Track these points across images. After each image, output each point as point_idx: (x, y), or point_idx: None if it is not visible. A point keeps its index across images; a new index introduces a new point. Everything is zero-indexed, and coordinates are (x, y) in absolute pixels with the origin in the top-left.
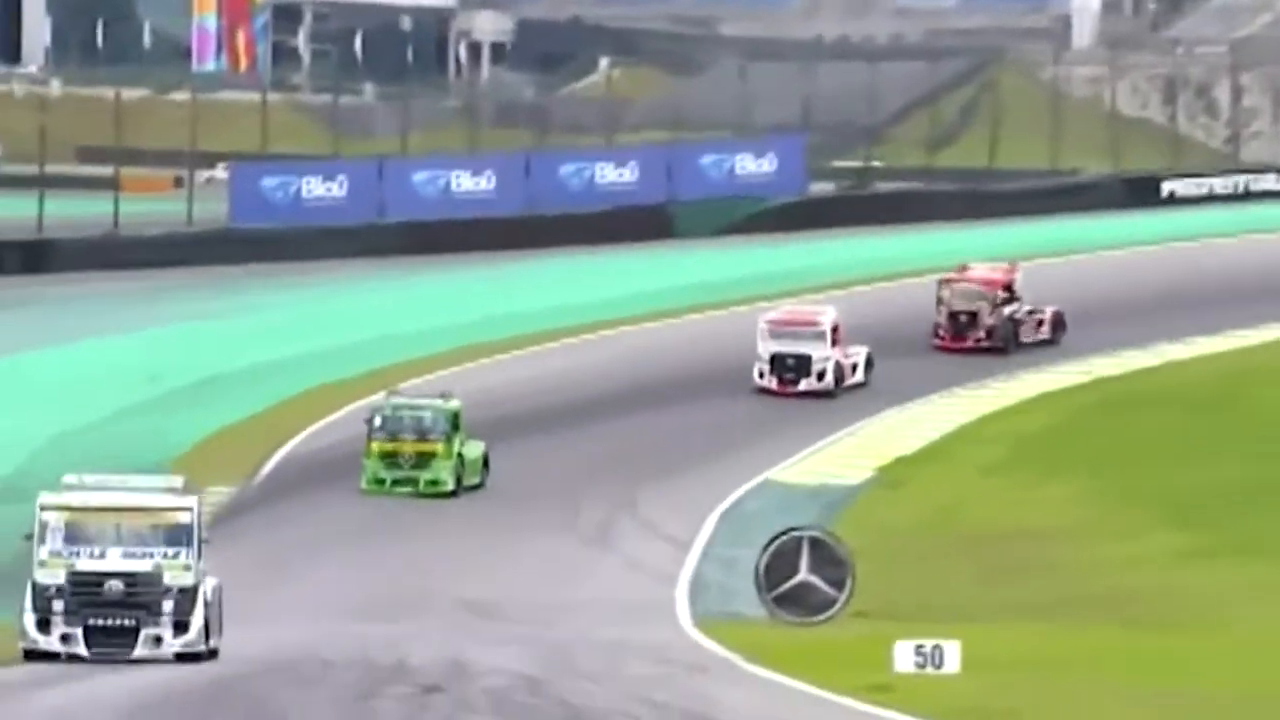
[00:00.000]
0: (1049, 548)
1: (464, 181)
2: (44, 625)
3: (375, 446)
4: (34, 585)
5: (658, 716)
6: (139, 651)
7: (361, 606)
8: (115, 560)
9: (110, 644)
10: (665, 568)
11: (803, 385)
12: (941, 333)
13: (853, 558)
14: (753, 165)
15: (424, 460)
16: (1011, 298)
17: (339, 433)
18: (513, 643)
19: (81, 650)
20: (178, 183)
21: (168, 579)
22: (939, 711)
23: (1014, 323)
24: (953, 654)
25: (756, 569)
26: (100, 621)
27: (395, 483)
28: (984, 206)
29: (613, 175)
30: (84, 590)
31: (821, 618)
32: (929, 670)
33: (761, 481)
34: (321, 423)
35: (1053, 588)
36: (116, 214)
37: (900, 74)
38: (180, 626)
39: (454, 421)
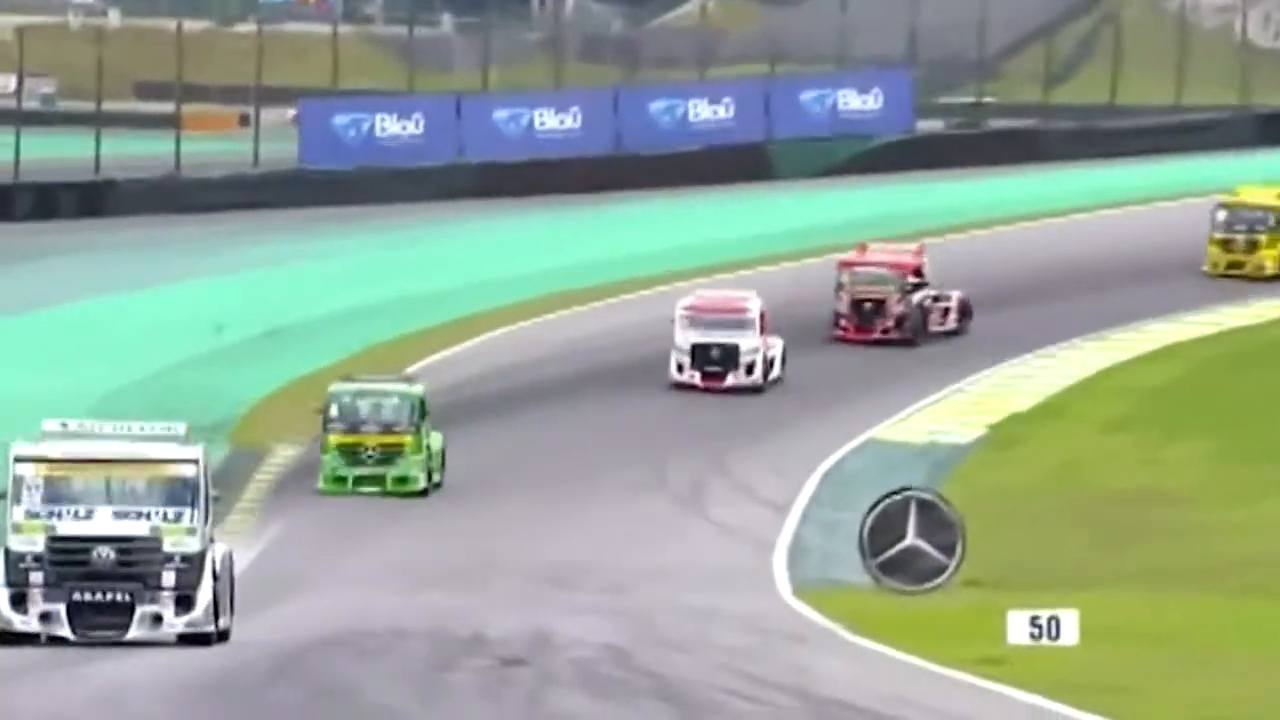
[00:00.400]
0: (1173, 511)
1: (547, 119)
2: (19, 601)
3: (333, 440)
4: (6, 553)
5: (752, 690)
6: (134, 632)
7: (435, 574)
8: (105, 522)
9: (99, 624)
10: (761, 532)
11: (729, 379)
12: (844, 323)
13: (963, 521)
14: (856, 101)
15: (390, 454)
16: (921, 283)
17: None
18: (597, 612)
19: (64, 631)
20: (243, 121)
21: (168, 545)
22: (1055, 687)
23: (923, 311)
24: (1070, 624)
25: (860, 533)
26: (87, 596)
27: (358, 481)
28: (1103, 145)
29: (706, 112)
30: (67, 559)
31: (929, 585)
32: (1044, 642)
33: (865, 440)
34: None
35: (1176, 553)
36: (178, 154)
37: (1013, 4)
38: (183, 602)
39: (421, 409)
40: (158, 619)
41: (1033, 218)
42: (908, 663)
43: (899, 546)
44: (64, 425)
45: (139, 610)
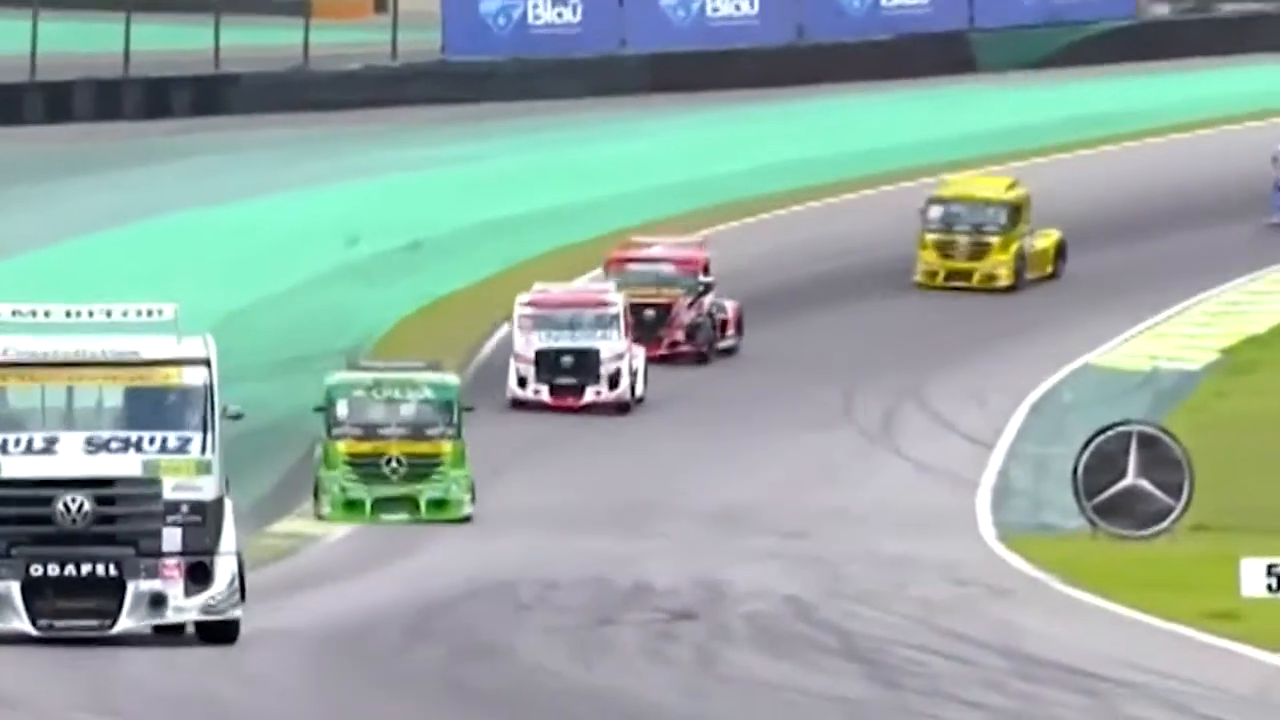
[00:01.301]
0: None
1: (721, 6)
2: None
3: (342, 448)
4: None
5: (951, 648)
6: (125, 622)
7: (594, 517)
8: (74, 457)
9: (71, 610)
10: (961, 470)
11: (588, 396)
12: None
13: (1191, 458)
14: None
15: (422, 467)
16: (709, 283)
17: None
18: (775, 559)
19: (18, 622)
20: (378, 7)
21: (170, 489)
22: None
23: (713, 319)
24: None
25: (1074, 472)
26: (51, 570)
27: (379, 505)
28: None
29: None
30: (19, 514)
31: (1152, 530)
32: None
33: (1080, 366)
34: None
35: None
36: (306, 44)
37: None
38: (197, 574)
39: (458, 407)
40: (159, 601)
41: (1272, 114)
42: (1127, 618)
43: (1118, 487)
44: (32, 311)
45: (131, 588)
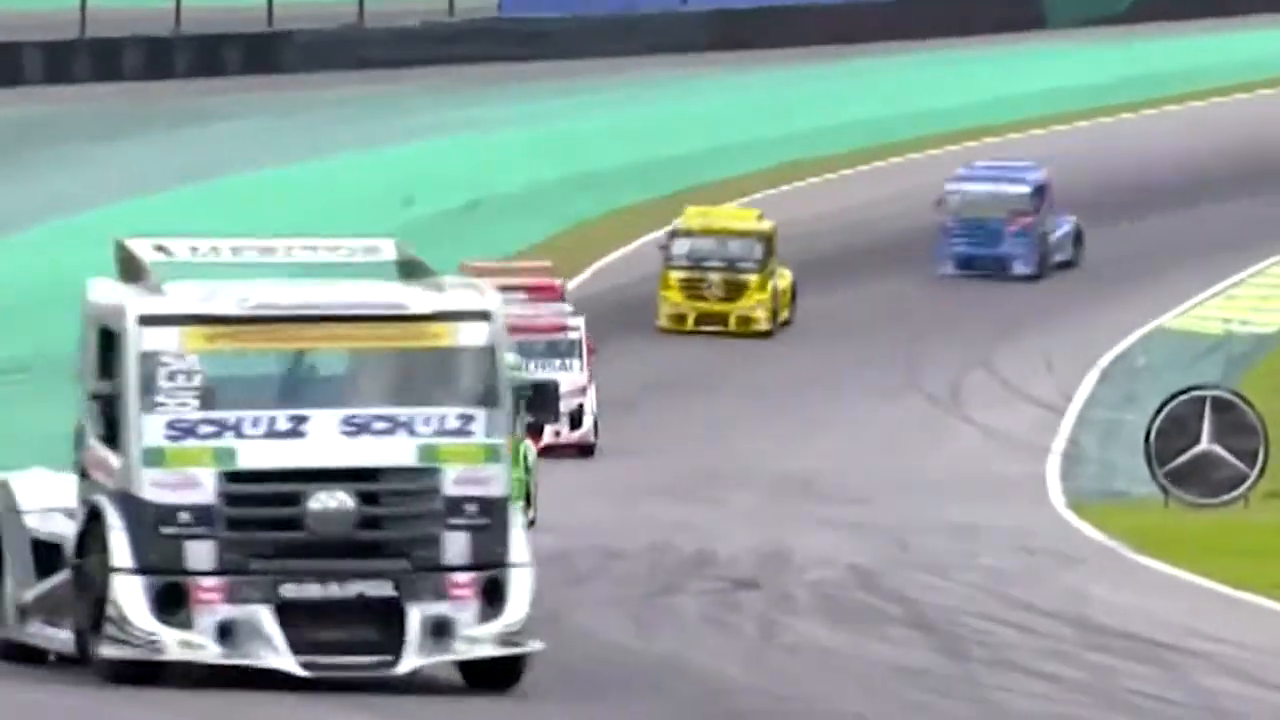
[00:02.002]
0: None
1: None
2: (171, 603)
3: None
4: (136, 510)
5: (1020, 618)
6: (410, 659)
7: (656, 483)
8: (329, 443)
9: (338, 643)
10: (1031, 437)
11: (545, 437)
12: None
13: (1266, 424)
14: None
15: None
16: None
17: (633, 269)
18: (841, 527)
19: (278, 658)
20: None
21: (452, 482)
22: None
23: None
24: None
25: (1146, 438)
26: (311, 592)
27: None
28: None
29: None
30: (264, 517)
31: (1226, 498)
32: None
33: (1153, 329)
34: (612, 256)
35: None
36: (361, 1)
37: None
38: (491, 593)
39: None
40: (443, 628)
41: None
42: (1200, 587)
43: (1191, 453)
44: (161, 248)
45: (413, 614)
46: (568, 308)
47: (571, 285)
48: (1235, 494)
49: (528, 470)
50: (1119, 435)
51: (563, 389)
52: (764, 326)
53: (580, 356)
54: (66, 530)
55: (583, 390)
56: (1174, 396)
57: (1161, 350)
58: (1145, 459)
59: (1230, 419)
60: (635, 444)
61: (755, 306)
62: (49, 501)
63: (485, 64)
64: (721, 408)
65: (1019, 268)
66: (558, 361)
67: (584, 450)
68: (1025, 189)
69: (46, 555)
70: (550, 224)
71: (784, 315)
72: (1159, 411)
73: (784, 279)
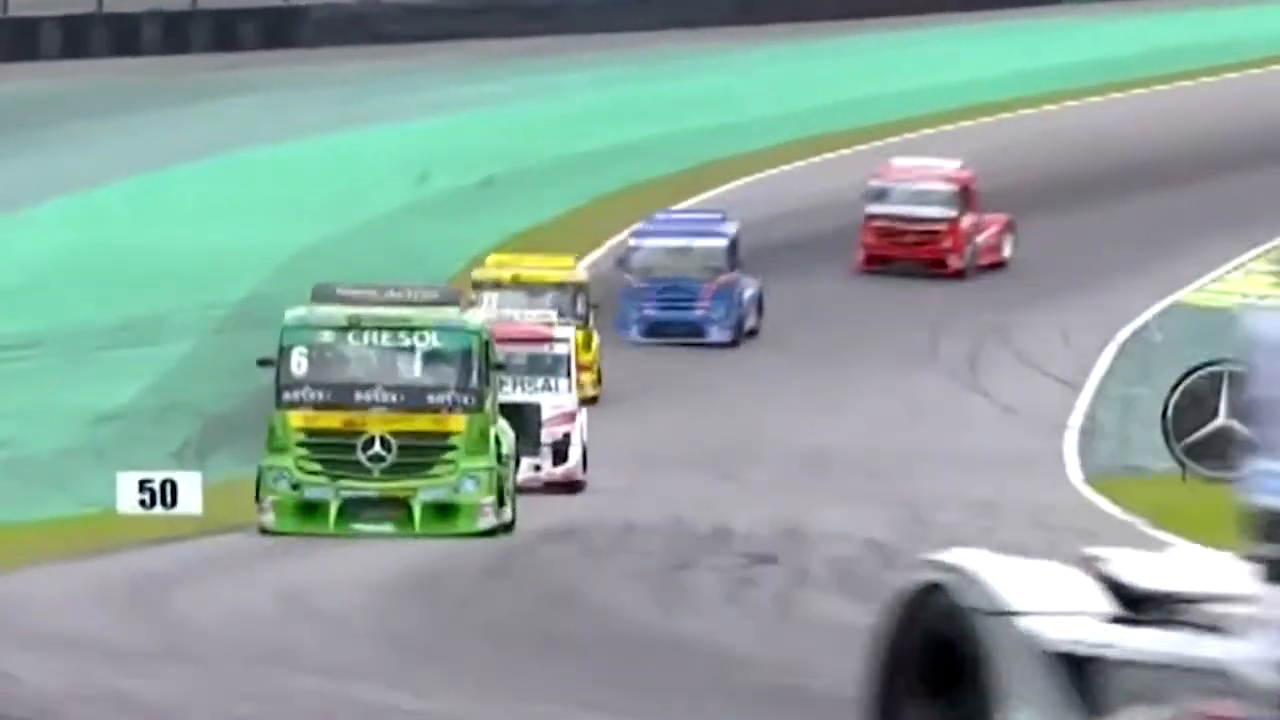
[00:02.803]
0: None
1: None
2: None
3: (296, 421)
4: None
5: None
6: None
7: (672, 458)
8: None
9: None
10: (1049, 412)
11: (524, 472)
12: None
13: None
14: None
15: (419, 453)
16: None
17: None
18: (860, 502)
19: None
20: None
21: None
22: None
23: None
24: None
25: (1164, 412)
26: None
27: (348, 511)
28: None
29: None
30: None
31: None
32: None
33: (1170, 304)
34: (625, 232)
35: None
36: None
37: None
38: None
39: (480, 363)
40: None
41: None
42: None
43: (1209, 428)
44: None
45: None
46: (553, 314)
47: (586, 261)
48: None
49: (501, 460)
50: (1136, 410)
51: (546, 413)
52: (590, 394)
53: (568, 375)
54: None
55: (570, 417)
56: (1192, 371)
57: (1179, 325)
58: (1162, 434)
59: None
60: (651, 419)
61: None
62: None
63: (500, 39)
64: (740, 384)
65: (715, 334)
66: (540, 380)
67: (570, 487)
68: (721, 243)
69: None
70: (565, 199)
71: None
72: (1177, 386)
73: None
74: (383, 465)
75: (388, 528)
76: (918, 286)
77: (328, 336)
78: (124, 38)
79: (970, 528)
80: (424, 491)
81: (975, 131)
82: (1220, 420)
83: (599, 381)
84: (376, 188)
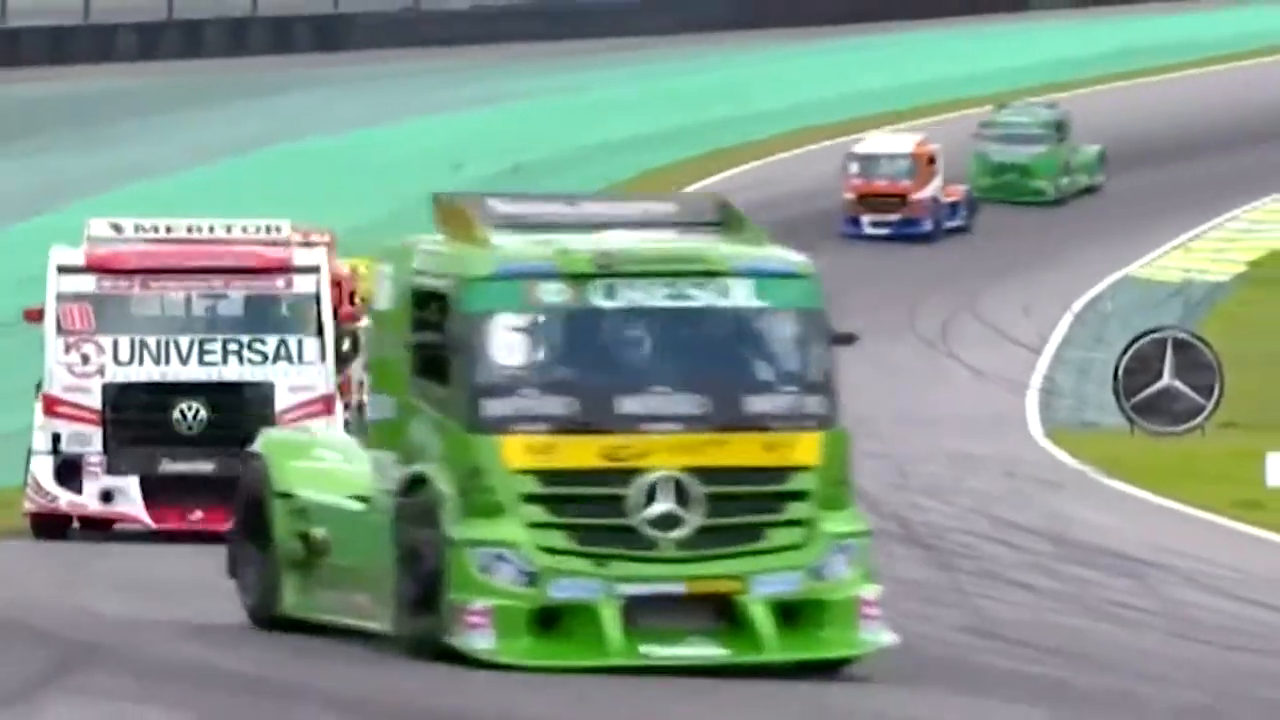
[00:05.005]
0: None
1: None
2: None
3: (509, 452)
4: None
5: (1005, 535)
6: None
7: None
8: None
9: None
10: (1013, 373)
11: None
12: None
13: (1221, 361)
14: None
15: (745, 514)
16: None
17: None
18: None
19: None
20: None
21: None
22: None
23: None
24: None
25: (1115, 374)
26: None
27: (632, 629)
28: None
29: None
30: None
31: (1186, 427)
32: None
33: (1120, 278)
34: None
35: None
36: None
37: None
38: None
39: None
40: None
41: None
42: (1163, 507)
43: (1154, 388)
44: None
45: None
46: (287, 232)
47: None
48: (1193, 424)
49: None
50: (1090, 372)
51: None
52: None
53: (320, 334)
54: None
55: (326, 402)
56: (1140, 337)
57: (1129, 295)
58: (1114, 393)
59: (1189, 357)
60: None
61: None
62: None
63: (528, 42)
64: None
65: None
66: (271, 342)
67: None
68: None
69: None
70: (586, 184)
71: None
72: (1126, 351)
73: None
74: (679, 534)
75: (714, 651)
76: (896, 263)
77: (561, 294)
78: (191, 41)
79: (944, 478)
80: (759, 581)
81: (962, 123)
82: (1165, 381)
83: None
84: (416, 174)
